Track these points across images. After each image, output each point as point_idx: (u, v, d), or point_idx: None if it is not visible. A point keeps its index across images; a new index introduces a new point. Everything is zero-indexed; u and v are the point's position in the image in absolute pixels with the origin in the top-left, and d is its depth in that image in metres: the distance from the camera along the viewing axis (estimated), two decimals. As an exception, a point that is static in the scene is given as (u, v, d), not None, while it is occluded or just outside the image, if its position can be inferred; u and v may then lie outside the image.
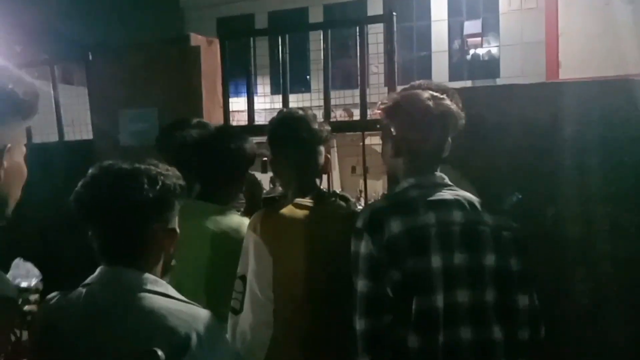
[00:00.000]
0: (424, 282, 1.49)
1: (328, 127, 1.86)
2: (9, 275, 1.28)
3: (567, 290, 2.12)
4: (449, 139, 1.63)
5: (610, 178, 2.05)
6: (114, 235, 1.23)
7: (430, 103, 1.58)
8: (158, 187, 1.22)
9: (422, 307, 1.48)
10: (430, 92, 1.62)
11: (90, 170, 1.25)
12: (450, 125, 1.60)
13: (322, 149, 1.85)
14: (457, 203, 1.57)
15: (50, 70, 3.60)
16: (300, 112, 1.84)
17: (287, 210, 1.79)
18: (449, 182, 1.63)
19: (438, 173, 1.63)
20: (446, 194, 1.58)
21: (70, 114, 3.91)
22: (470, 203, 1.58)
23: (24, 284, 1.31)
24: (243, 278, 1.76)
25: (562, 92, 2.13)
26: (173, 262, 1.35)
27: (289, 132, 1.81)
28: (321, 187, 1.94)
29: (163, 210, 1.26)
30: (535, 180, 2.09)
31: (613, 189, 2.06)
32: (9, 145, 1.09)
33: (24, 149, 1.16)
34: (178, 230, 1.32)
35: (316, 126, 1.81)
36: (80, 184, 1.24)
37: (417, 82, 1.83)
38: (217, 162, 2.00)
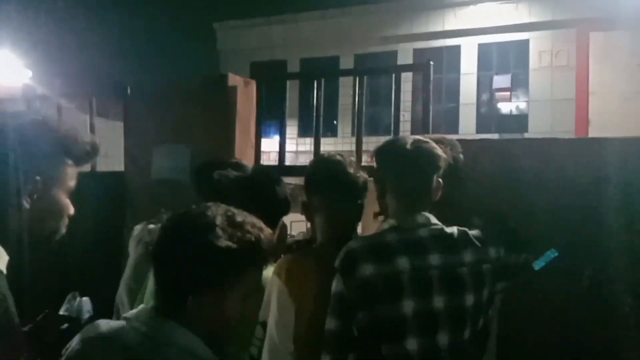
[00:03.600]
0: (395, 327, 1.52)
1: (365, 175, 1.82)
2: (64, 310, 1.35)
3: (609, 355, 2.00)
4: (436, 181, 1.65)
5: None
6: (172, 281, 1.16)
7: (409, 146, 1.63)
8: (234, 246, 1.13)
9: (391, 353, 1.51)
10: (414, 137, 1.70)
11: (181, 211, 1.21)
12: (430, 166, 1.63)
13: (358, 196, 1.80)
14: (436, 245, 1.57)
15: (88, 102, 3.71)
16: (338, 157, 1.82)
17: (315, 257, 1.74)
18: (434, 222, 1.62)
19: (424, 214, 1.63)
20: (426, 235, 1.59)
21: (104, 146, 3.99)
22: (452, 241, 1.59)
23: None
24: (264, 324, 1.70)
25: (602, 148, 2.07)
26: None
27: (324, 176, 1.79)
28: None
29: (230, 272, 1.15)
30: (573, 239, 2.02)
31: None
32: (38, 177, 1.19)
33: (68, 186, 1.27)
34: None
35: (352, 172, 1.78)
36: (167, 218, 1.21)
37: (425, 136, 1.85)
38: (256, 205, 1.89)
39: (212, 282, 1.14)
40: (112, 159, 4.15)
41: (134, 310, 1.23)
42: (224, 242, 1.12)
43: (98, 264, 3.03)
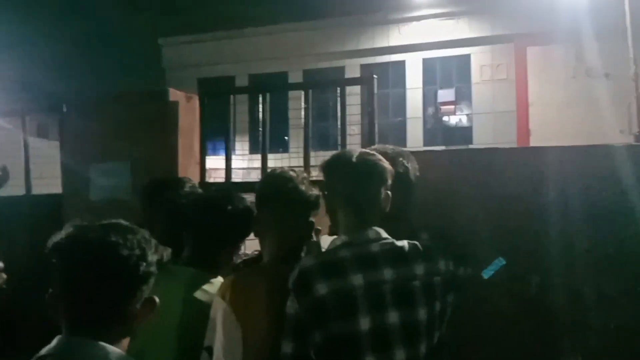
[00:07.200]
0: (351, 345, 1.50)
1: (317, 192, 1.78)
2: None
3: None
4: (385, 193, 1.64)
5: (593, 244, 2.01)
6: (86, 303, 1.14)
7: (354, 159, 1.63)
8: (141, 258, 1.16)
9: None
10: (362, 150, 1.71)
11: (68, 230, 1.19)
12: (376, 178, 1.63)
13: (309, 213, 1.77)
14: (388, 259, 1.57)
15: (21, 120, 3.52)
16: (291, 172, 1.79)
17: (263, 276, 1.68)
18: (384, 236, 1.61)
19: (375, 228, 1.62)
20: (377, 250, 1.58)
21: (39, 167, 3.80)
22: (403, 255, 1.59)
23: None
24: (209, 349, 1.62)
25: (541, 156, 2.12)
26: None
27: (275, 191, 1.76)
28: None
29: (142, 281, 1.18)
30: (518, 246, 2.05)
31: (596, 256, 2.02)
32: None
33: None
34: (157, 299, 1.23)
35: (304, 188, 1.75)
36: (55, 242, 1.17)
37: (374, 146, 1.87)
38: (221, 224, 1.84)
39: (121, 290, 1.16)
40: (50, 179, 3.96)
41: (44, 349, 1.16)
42: (126, 252, 1.15)
43: (35, 292, 2.85)
